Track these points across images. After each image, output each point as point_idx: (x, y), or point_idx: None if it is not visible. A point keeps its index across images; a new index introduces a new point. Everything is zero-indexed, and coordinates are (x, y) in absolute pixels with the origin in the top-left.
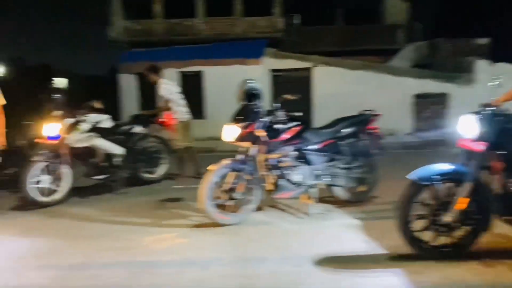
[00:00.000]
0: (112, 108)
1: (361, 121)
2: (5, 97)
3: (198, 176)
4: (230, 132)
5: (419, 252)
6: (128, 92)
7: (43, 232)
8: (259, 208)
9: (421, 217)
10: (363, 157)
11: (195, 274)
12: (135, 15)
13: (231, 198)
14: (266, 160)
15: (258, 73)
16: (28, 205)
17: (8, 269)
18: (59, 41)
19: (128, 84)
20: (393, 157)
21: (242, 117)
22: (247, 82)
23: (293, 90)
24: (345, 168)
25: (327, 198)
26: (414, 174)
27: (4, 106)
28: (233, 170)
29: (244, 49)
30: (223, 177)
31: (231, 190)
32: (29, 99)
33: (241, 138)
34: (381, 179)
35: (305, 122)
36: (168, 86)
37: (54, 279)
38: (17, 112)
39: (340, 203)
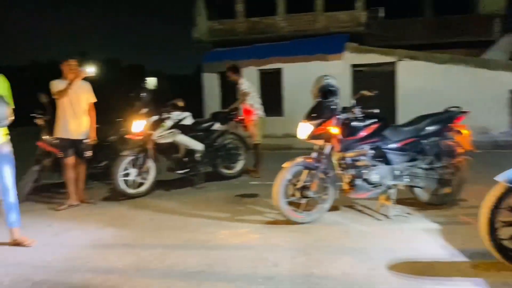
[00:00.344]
0: (196, 106)
1: (447, 118)
2: (100, 96)
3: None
4: (304, 130)
5: (507, 262)
6: (211, 91)
7: (129, 221)
8: (335, 208)
9: (509, 224)
10: (447, 157)
11: (266, 270)
12: (218, 15)
13: (304, 196)
14: (342, 158)
15: (338, 69)
16: (117, 196)
17: (97, 252)
18: (150, 43)
19: (211, 82)
20: (484, 157)
21: (317, 114)
22: (324, 78)
23: (376, 86)
24: (427, 169)
25: (408, 200)
26: (503, 176)
27: (95, 104)
28: (306, 168)
29: (324, 44)
30: (297, 174)
31: (305, 188)
32: (123, 98)
33: (315, 136)
34: (468, 181)
35: (384, 119)
36: (248, 83)
37: (134, 265)
38: (111, 110)
39: (421, 205)
